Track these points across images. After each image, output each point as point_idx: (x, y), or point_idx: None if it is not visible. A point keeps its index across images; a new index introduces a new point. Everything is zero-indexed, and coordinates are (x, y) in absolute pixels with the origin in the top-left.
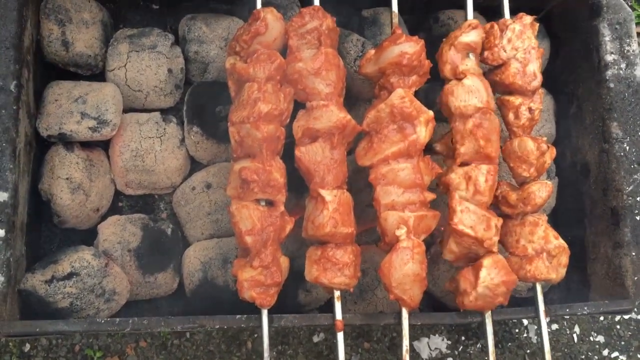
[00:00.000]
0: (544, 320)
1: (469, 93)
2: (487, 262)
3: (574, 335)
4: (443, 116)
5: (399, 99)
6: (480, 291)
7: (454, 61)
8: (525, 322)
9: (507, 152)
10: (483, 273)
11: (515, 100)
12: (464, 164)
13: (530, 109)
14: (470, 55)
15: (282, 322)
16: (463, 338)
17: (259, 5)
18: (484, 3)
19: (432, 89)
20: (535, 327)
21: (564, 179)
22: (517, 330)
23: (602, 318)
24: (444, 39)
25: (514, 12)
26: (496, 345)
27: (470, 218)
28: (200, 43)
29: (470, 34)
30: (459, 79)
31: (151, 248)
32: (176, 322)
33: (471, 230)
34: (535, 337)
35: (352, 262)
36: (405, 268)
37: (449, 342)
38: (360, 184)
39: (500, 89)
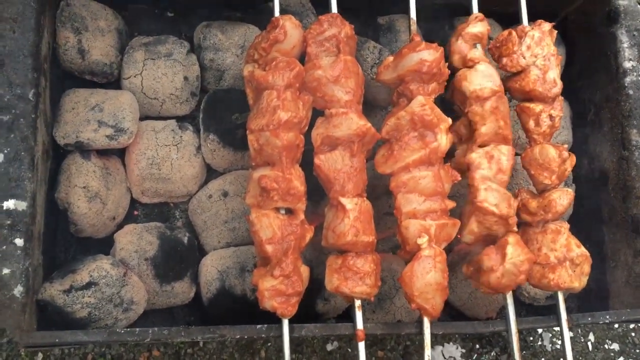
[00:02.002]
0: (566, 330)
1: (484, 77)
2: (512, 239)
3: (589, 343)
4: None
5: (420, 106)
6: (508, 267)
7: (462, 51)
8: (539, 330)
9: (527, 159)
10: (510, 250)
11: (536, 107)
12: (482, 145)
13: (551, 116)
14: (478, 46)
15: (303, 332)
16: (477, 346)
17: (277, 12)
18: (500, 10)
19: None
20: (550, 335)
21: (581, 186)
22: (531, 338)
23: (616, 325)
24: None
25: (529, 19)
26: (509, 354)
27: (493, 196)
28: (216, 51)
29: (477, 26)
30: (469, 67)
31: (168, 257)
32: (197, 332)
33: (495, 208)
34: (550, 345)
35: (373, 270)
36: (428, 277)
37: (464, 350)
38: (377, 192)
39: (519, 96)
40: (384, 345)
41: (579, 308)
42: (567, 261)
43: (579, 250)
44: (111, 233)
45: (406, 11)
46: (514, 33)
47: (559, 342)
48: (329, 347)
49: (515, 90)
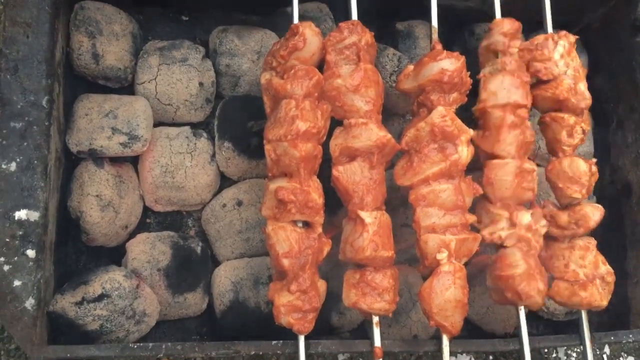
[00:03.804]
0: (590, 350)
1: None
2: (493, 256)
3: (604, 356)
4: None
5: (440, 117)
6: (488, 284)
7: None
8: None
9: (554, 171)
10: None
11: (570, 118)
12: None
13: (583, 130)
14: (497, 55)
15: (320, 349)
16: (491, 357)
17: (296, 19)
18: (521, 17)
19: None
20: (564, 347)
21: (602, 199)
22: (545, 350)
23: None
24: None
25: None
26: None
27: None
28: (231, 56)
29: (489, 37)
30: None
31: (181, 267)
32: (211, 348)
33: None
34: (565, 358)
35: (392, 286)
36: (447, 294)
37: None
38: (394, 203)
39: (547, 104)
40: (395, 357)
41: (597, 324)
42: (597, 279)
43: (605, 268)
44: (123, 242)
45: (425, 17)
46: (550, 39)
47: (574, 354)
48: (340, 357)
49: (545, 98)
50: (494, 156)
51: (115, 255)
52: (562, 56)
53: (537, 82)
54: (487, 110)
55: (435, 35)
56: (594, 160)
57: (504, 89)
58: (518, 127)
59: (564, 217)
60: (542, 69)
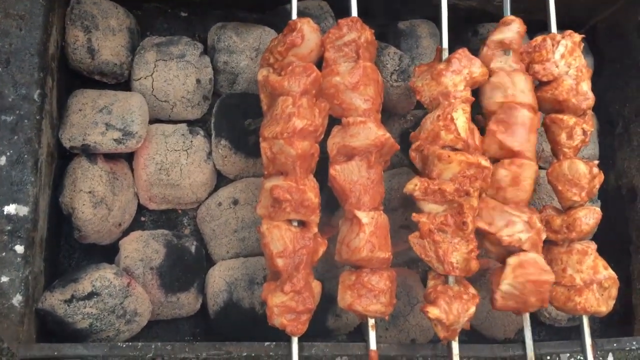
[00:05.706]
0: (591, 356)
1: (493, 89)
2: (512, 260)
3: None
4: None
5: None
6: (505, 289)
7: (486, 60)
8: None
9: (554, 174)
10: (507, 270)
11: (570, 119)
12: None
13: (583, 130)
14: (508, 52)
15: (313, 351)
16: None
17: (294, 15)
18: (526, 16)
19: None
20: (568, 354)
21: (606, 203)
22: (548, 358)
23: None
24: None
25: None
26: None
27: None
28: (230, 53)
29: (504, 31)
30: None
31: (174, 266)
32: (202, 348)
33: (487, 226)
34: None
35: (388, 288)
36: None
37: None
38: (393, 204)
39: (549, 106)
40: (392, 359)
41: (602, 330)
42: (595, 284)
43: (606, 273)
44: (117, 240)
45: (428, 16)
46: (548, 40)
47: None
48: None
49: (546, 100)
50: (515, 154)
51: (108, 253)
52: (563, 56)
53: (540, 84)
54: (514, 106)
55: (445, 38)
56: (596, 162)
57: (530, 90)
58: (536, 130)
59: (557, 221)
60: (540, 70)
